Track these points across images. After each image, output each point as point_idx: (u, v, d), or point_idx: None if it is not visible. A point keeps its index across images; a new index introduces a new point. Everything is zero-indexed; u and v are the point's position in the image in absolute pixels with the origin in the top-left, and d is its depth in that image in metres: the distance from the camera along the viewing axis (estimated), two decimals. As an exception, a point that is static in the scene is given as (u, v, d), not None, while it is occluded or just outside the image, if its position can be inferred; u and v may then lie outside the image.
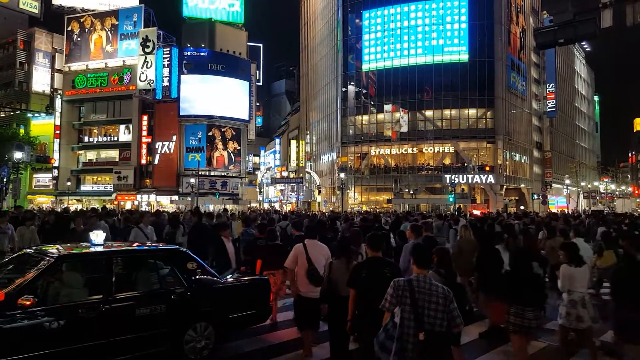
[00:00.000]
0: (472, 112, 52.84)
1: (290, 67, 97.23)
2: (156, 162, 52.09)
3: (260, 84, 68.28)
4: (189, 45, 53.87)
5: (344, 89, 57.12)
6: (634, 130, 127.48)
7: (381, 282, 3.92)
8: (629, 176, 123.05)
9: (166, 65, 51.78)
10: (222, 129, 53.41)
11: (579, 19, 10.46)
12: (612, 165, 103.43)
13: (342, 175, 44.32)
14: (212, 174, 51.79)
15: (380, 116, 54.67)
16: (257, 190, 62.33)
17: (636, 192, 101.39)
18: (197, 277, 5.84)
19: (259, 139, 71.82)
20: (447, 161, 52.61)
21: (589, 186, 77.90)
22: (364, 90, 55.62)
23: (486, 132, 51.97)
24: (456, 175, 47.53)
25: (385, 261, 4.61)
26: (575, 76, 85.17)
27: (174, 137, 51.74)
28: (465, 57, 52.03)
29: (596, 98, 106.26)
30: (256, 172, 69.07)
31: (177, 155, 51.75)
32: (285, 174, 67.17)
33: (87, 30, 55.72)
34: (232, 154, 53.99)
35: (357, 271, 4.40)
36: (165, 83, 51.97)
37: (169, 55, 51.71)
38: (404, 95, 52.86)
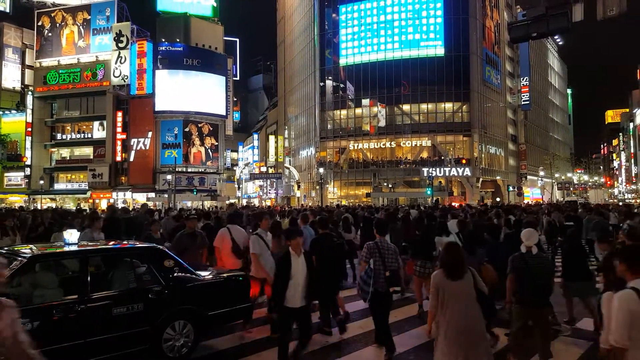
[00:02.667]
0: (449, 105, 53.52)
1: (268, 62, 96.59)
2: (132, 159, 51.22)
3: (237, 79, 67.57)
4: (163, 40, 53.01)
5: (322, 84, 57.10)
6: (606, 122, 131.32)
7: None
8: (601, 167, 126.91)
9: (140, 61, 50.82)
10: (199, 125, 52.85)
11: (551, 14, 10.69)
12: (584, 157, 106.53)
13: (321, 170, 44.38)
14: (189, 170, 51.26)
15: (359, 111, 54.89)
16: (236, 186, 61.80)
17: (608, 182, 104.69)
18: (174, 274, 5.78)
19: (237, 135, 71.19)
20: (425, 155, 53.22)
21: (563, 177, 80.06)
22: (341, 85, 55.71)
23: (462, 126, 52.73)
24: (433, 169, 48.18)
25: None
26: (549, 70, 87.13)
27: (150, 134, 50.95)
28: (441, 51, 52.59)
29: (569, 91, 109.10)
30: (234, 168, 68.39)
31: (153, 151, 50.99)
32: (264, 169, 66.80)
33: (58, 25, 54.22)
34: (209, 150, 53.50)
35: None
36: (140, 79, 51.02)
37: (143, 50, 50.76)
38: (381, 89, 53.15)
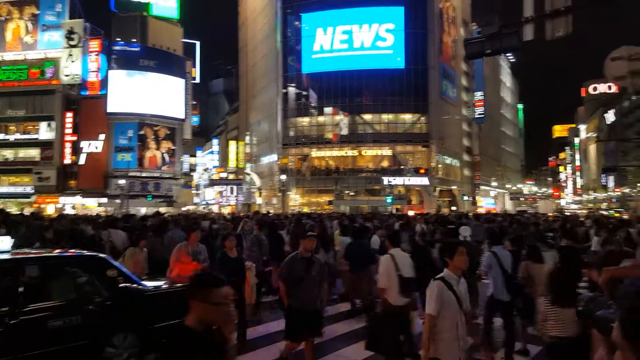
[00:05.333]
0: (408, 116, 54.67)
1: (229, 66, 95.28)
2: (82, 162, 48.74)
3: (197, 81, 66.00)
4: (119, 39, 51.08)
5: (284, 91, 56.74)
6: (554, 137, 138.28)
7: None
8: (550, 179, 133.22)
9: (93, 60, 48.73)
10: (155, 128, 51.19)
11: (504, 32, 11.07)
12: (534, 169, 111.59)
13: (283, 176, 43.89)
14: (143, 175, 49.40)
15: (321, 118, 54.91)
16: (194, 192, 60.18)
17: (555, 193, 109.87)
18: (117, 285, 5.43)
19: (196, 139, 69.52)
20: (385, 164, 53.87)
21: (514, 188, 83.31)
22: (304, 93, 55.60)
23: (421, 136, 53.92)
24: (394, 178, 48.82)
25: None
26: (501, 85, 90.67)
27: (102, 136, 48.75)
28: (401, 63, 53.68)
29: (520, 106, 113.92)
30: (192, 174, 66.69)
31: (105, 155, 48.80)
32: (224, 175, 65.40)
33: (3, 18, 51.12)
34: (166, 154, 51.85)
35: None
36: (93, 78, 48.90)
37: (97, 50, 48.68)
38: (343, 98, 53.47)
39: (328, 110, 53.52)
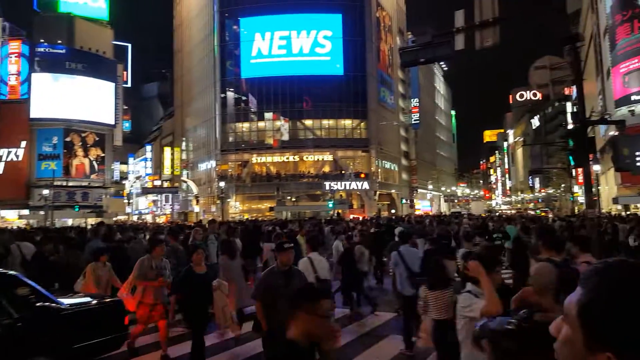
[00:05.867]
0: (348, 122, 55.44)
1: (163, 70, 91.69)
2: (0, 171, 44.75)
3: (129, 85, 63.03)
4: (42, 41, 47.60)
5: (222, 95, 55.42)
6: (484, 141, 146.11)
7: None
8: (481, 181, 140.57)
9: (13, 62, 45.08)
10: (83, 134, 48.25)
11: (437, 42, 11.35)
12: (467, 172, 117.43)
13: (222, 183, 42.71)
14: (70, 184, 46.35)
15: (261, 124, 54.18)
16: (125, 201, 57.12)
17: (486, 195, 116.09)
18: (30, 304, 4.86)
19: (127, 145, 66.19)
20: (327, 169, 54.14)
21: (449, 191, 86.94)
22: (243, 97, 54.64)
23: (361, 142, 54.88)
24: (335, 182, 49.16)
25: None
26: (436, 92, 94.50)
27: (24, 143, 45.19)
28: (340, 70, 54.38)
29: (453, 112, 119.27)
30: (124, 182, 63.36)
31: (27, 163, 45.24)
32: (158, 183, 62.71)
33: None
34: (94, 162, 49.00)
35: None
36: (13, 82, 45.22)
37: (17, 51, 45.08)
38: (284, 104, 53.17)
39: (268, 115, 52.94)
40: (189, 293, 5.60)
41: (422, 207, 71.20)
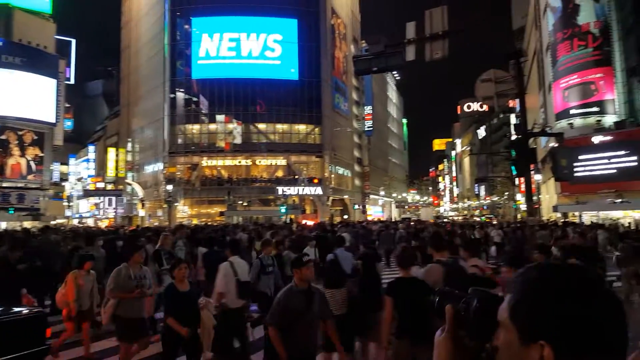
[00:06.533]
0: (302, 127, 55.35)
1: (109, 67, 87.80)
2: None
3: (72, 82, 59.71)
4: (-26, 30, 44.24)
5: (172, 96, 53.74)
6: (433, 150, 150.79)
7: None
8: (430, 188, 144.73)
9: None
10: (20, 132, 45.30)
11: (389, 52, 11.41)
12: (417, 179, 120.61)
13: (170, 187, 41.20)
14: (4, 185, 43.20)
15: (213, 126, 52.94)
16: (65, 204, 53.94)
17: (435, 202, 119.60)
18: None
19: (69, 145, 62.68)
20: (280, 173, 53.70)
21: (400, 197, 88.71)
22: (194, 99, 53.23)
23: (315, 147, 54.93)
24: (288, 188, 48.81)
25: None
26: (388, 101, 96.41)
27: (-50, 140, 41.62)
28: (295, 75, 54.25)
29: (404, 121, 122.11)
30: (64, 184, 59.89)
31: (-47, 162, 41.65)
32: (101, 185, 59.73)
33: None
34: (32, 162, 46.02)
35: None
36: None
37: (-57, 39, 41.59)
38: (237, 106, 52.30)
39: (220, 117, 51.83)
40: (172, 314, 4.96)
41: (374, 212, 72.17)
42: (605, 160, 30.43)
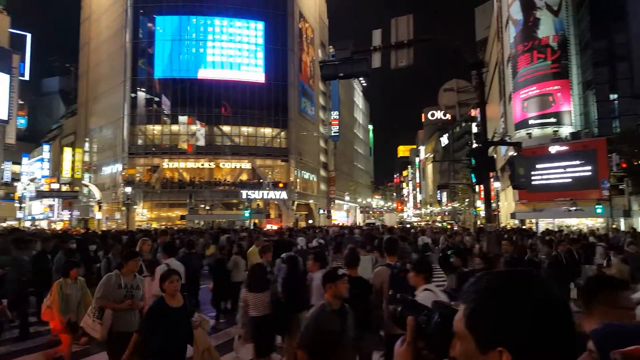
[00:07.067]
0: (268, 131, 54.81)
1: (67, 64, 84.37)
2: None
3: (27, 79, 57.08)
4: None
5: (133, 95, 52.08)
6: (398, 156, 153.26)
7: None
8: (395, 194, 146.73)
9: None
10: (-34, 129, 42.59)
11: (355, 58, 11.48)
12: (382, 185, 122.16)
13: (129, 189, 39.77)
14: (-54, 185, 40.52)
15: (175, 127, 51.65)
16: (17, 205, 51.24)
17: (399, 207, 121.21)
18: None
19: (22, 144, 59.93)
20: (244, 177, 52.95)
21: (364, 202, 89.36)
22: (156, 98, 51.79)
23: (280, 151, 54.51)
24: (252, 191, 48.10)
25: None
26: (354, 106, 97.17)
27: None
28: (261, 77, 53.80)
29: (370, 127, 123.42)
30: (16, 184, 56.95)
31: None
32: (56, 186, 57.11)
33: None
34: (-21, 161, 43.37)
35: None
36: None
37: None
38: (200, 108, 51.23)
39: (183, 119, 50.63)
40: (161, 334, 4.19)
41: (339, 217, 72.34)
42: (561, 170, 31.53)
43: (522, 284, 0.84)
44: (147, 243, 8.02)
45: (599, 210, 25.37)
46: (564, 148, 32.03)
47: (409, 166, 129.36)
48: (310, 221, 56.80)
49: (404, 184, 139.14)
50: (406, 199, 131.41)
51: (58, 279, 7.41)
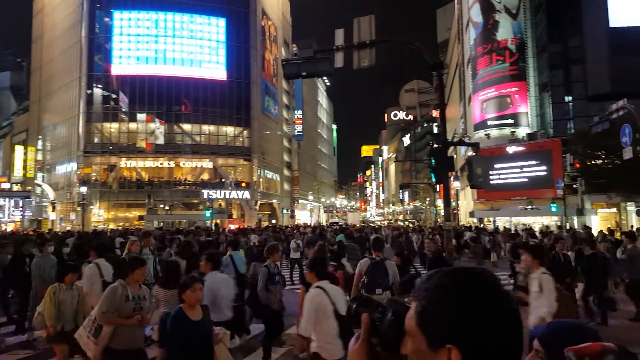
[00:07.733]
0: (230, 129, 54.05)
1: (19, 59, 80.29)
2: None
3: (-27, 73, 53.80)
4: None
5: (89, 91, 50.10)
6: (362, 156, 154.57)
7: None
8: (358, 193, 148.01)
9: None
10: None
11: (318, 57, 11.46)
12: (345, 184, 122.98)
13: (84, 188, 38.24)
14: None
15: (133, 125, 50.05)
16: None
17: (362, 207, 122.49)
18: None
19: (-32, 142, 56.35)
20: (206, 176, 51.98)
21: (328, 202, 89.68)
22: (113, 95, 50.01)
23: (243, 150, 53.90)
24: (214, 191, 47.32)
25: None
26: (318, 106, 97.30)
27: None
28: (223, 75, 53.01)
29: (334, 126, 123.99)
30: (-39, 184, 53.46)
31: None
32: (6, 185, 54.17)
33: None
34: None
35: None
36: None
37: None
38: (160, 105, 49.89)
39: (141, 116, 49.12)
40: (179, 349, 3.69)
41: (303, 217, 72.20)
42: (518, 170, 32.61)
43: (472, 282, 0.85)
44: (136, 243, 7.85)
45: (553, 209, 26.28)
46: (521, 148, 33.12)
47: (372, 166, 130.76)
48: (274, 221, 56.40)
49: (368, 184, 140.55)
50: (369, 199, 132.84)
51: (38, 284, 7.12)
